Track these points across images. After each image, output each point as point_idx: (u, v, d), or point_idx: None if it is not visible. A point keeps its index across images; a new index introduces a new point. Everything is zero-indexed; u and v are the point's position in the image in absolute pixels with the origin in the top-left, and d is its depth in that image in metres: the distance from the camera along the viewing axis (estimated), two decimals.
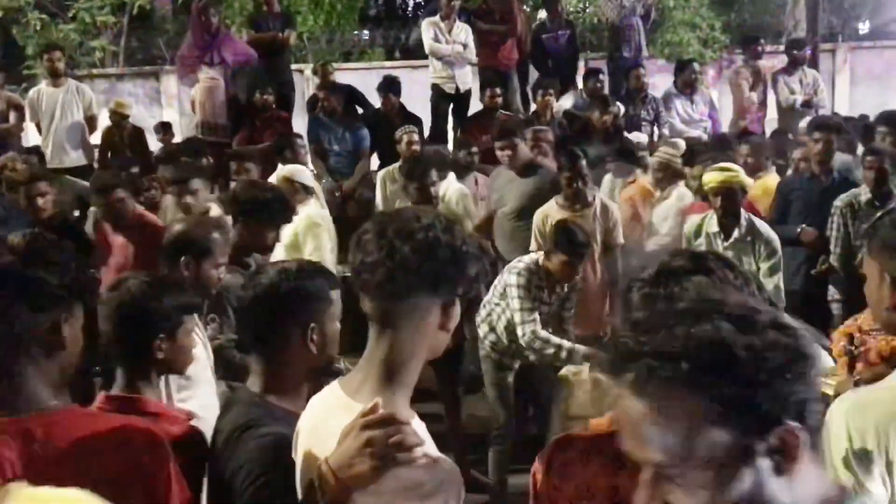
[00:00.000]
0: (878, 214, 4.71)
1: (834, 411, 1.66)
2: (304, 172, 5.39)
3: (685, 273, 1.50)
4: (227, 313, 3.43)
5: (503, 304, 4.43)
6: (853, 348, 2.82)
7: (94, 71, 13.02)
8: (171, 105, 12.97)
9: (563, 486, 1.61)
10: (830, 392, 3.17)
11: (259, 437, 1.84)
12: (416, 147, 6.67)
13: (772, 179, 6.14)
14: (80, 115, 8.21)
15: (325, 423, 1.62)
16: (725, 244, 4.69)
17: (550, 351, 4.26)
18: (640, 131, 7.69)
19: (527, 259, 4.49)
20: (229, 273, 3.48)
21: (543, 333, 4.29)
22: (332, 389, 1.70)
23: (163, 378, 2.45)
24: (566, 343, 4.28)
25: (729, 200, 4.64)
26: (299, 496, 1.67)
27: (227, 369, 3.38)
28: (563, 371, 4.21)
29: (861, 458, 1.58)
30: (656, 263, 1.55)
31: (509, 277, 4.40)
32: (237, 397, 2.04)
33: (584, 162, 5.02)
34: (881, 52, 13.91)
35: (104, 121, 8.92)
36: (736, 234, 4.69)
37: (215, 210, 4.79)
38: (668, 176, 5.68)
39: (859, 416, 1.61)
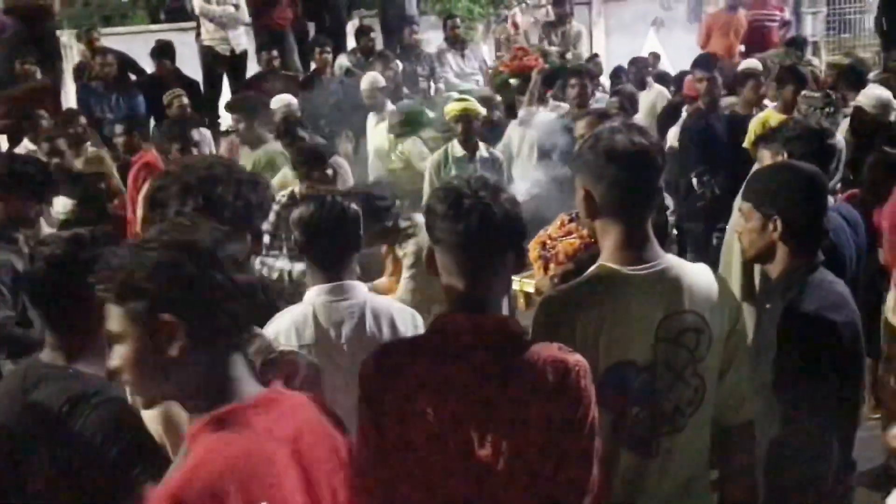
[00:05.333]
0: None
1: (539, 304, 2.09)
2: None
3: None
4: (1, 291, 3.35)
5: None
6: (546, 253, 3.39)
7: None
8: None
9: (395, 384, 1.81)
10: (532, 290, 3.90)
11: (102, 406, 1.84)
12: (187, 109, 6.77)
13: None
14: None
15: None
16: (473, 164, 5.47)
17: None
18: (417, 86, 8.00)
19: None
20: None
21: None
22: None
23: None
24: None
25: (468, 125, 5.49)
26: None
27: (10, 347, 3.31)
28: None
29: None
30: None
31: None
32: (44, 373, 1.96)
33: None
34: (629, 4, 15.00)
35: None
36: (479, 153, 5.51)
37: None
38: None
39: (555, 306, 2.04)
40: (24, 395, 1.94)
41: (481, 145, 5.59)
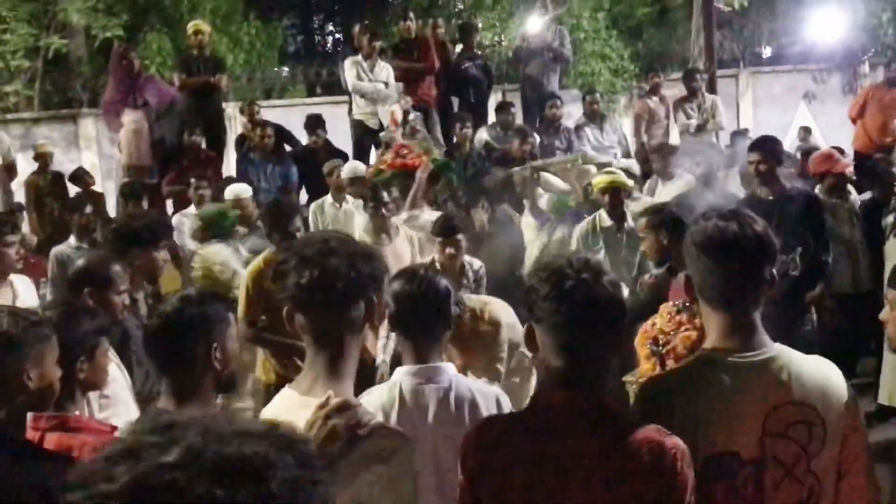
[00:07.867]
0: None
1: (640, 388, 2.13)
2: None
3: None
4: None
5: None
6: (659, 348, 3.17)
7: (9, 116, 12.83)
8: (90, 148, 12.73)
9: (492, 459, 1.88)
10: None
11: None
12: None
13: None
14: None
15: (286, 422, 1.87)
16: (620, 234, 5.61)
17: None
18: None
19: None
20: None
21: None
22: (286, 394, 1.98)
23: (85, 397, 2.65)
24: None
25: (615, 198, 5.71)
26: None
27: None
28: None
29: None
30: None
31: None
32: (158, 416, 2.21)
33: (384, 193, 5.82)
34: (779, 76, 14.75)
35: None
36: (626, 225, 5.63)
37: None
38: None
39: (654, 390, 2.07)
40: None
41: (629, 215, 5.70)
